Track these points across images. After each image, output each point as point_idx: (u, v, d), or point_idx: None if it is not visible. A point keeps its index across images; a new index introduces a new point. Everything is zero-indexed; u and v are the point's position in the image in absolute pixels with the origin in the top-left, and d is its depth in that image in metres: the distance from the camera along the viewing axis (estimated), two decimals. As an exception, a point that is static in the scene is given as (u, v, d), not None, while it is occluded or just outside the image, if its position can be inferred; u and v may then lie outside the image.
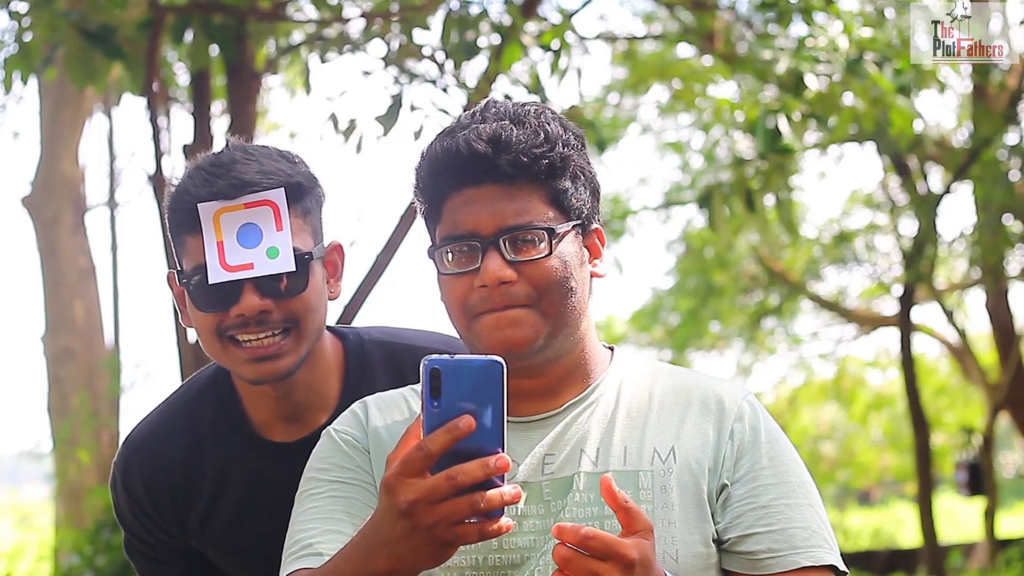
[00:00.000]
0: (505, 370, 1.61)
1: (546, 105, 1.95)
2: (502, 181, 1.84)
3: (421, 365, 1.61)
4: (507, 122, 1.85)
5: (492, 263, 1.83)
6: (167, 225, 2.26)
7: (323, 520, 1.88)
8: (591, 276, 1.92)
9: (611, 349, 2.01)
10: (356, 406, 2.01)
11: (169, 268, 2.30)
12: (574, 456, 1.88)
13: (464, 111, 1.95)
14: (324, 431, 2.00)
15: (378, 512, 1.65)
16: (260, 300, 2.15)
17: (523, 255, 1.83)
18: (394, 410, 1.98)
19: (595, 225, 1.94)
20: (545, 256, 1.83)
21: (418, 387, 2.00)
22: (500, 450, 1.60)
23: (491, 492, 1.58)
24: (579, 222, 1.89)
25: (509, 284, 1.83)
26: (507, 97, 5.39)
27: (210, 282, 2.15)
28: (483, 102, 1.93)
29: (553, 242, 1.84)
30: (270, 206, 2.16)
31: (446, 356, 1.61)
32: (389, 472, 1.61)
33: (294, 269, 2.16)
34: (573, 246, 1.88)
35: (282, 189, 2.16)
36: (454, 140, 1.86)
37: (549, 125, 1.87)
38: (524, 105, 1.90)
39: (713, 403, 1.92)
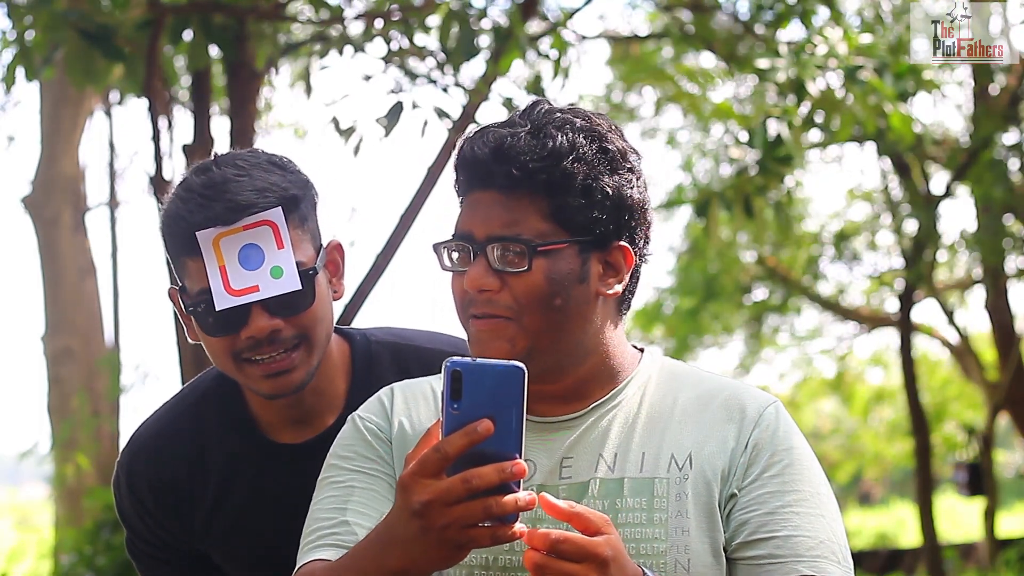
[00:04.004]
0: (526, 376, 1.60)
1: (588, 114, 1.86)
2: (502, 189, 1.82)
3: (443, 367, 1.61)
4: (521, 130, 1.82)
5: (475, 269, 1.82)
6: (164, 245, 2.23)
7: (341, 510, 1.88)
8: (598, 294, 1.86)
9: (642, 350, 1.98)
10: (383, 393, 2.00)
11: (171, 284, 2.28)
12: (592, 461, 1.86)
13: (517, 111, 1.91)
14: (349, 417, 1.99)
15: (393, 510, 1.66)
16: (269, 320, 2.14)
17: (509, 266, 1.81)
18: (420, 400, 1.97)
19: (619, 242, 1.86)
20: (525, 271, 1.80)
21: None
22: (517, 456, 1.60)
23: (506, 497, 1.58)
24: (585, 239, 1.83)
25: (491, 292, 1.81)
26: (507, 100, 5.40)
27: (217, 309, 2.12)
28: (531, 102, 1.89)
29: (533, 259, 1.80)
30: (269, 226, 2.13)
31: (468, 359, 1.61)
32: (405, 472, 1.62)
33: (300, 288, 2.14)
34: (568, 263, 1.82)
35: (279, 208, 2.13)
36: (470, 142, 1.85)
37: (564, 136, 1.81)
38: (556, 112, 1.85)
39: (736, 410, 1.89)
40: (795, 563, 1.80)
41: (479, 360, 1.61)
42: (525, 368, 1.61)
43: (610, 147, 1.85)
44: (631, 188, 1.86)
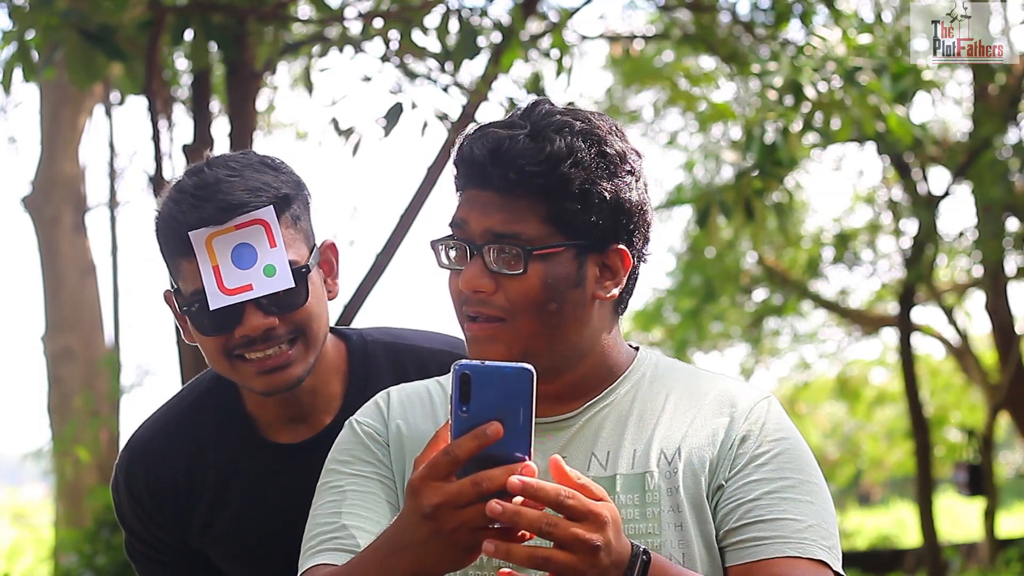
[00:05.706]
0: (535, 378, 1.60)
1: (589, 116, 1.85)
2: (499, 190, 1.81)
3: (452, 369, 1.61)
4: (520, 132, 1.81)
5: (471, 269, 1.82)
6: (159, 248, 2.24)
7: (342, 514, 1.88)
8: (595, 297, 1.86)
9: (637, 348, 1.98)
10: (379, 397, 2.01)
11: (168, 287, 2.28)
12: (585, 460, 1.87)
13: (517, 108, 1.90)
14: (347, 421, 1.99)
15: (403, 514, 1.66)
16: (264, 318, 2.14)
17: (505, 268, 1.81)
18: (416, 403, 1.98)
19: (617, 245, 1.86)
20: (520, 274, 1.80)
21: (443, 379, 2.01)
22: (527, 457, 1.60)
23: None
24: (582, 243, 1.82)
25: (485, 294, 1.81)
26: (510, 99, 5.40)
27: (211, 308, 2.13)
28: (532, 102, 1.88)
29: (529, 262, 1.80)
30: (261, 225, 2.14)
31: (477, 362, 1.61)
32: (415, 475, 1.62)
33: (293, 285, 2.15)
34: (565, 267, 1.82)
35: (271, 207, 2.15)
36: (469, 140, 1.85)
37: (562, 140, 1.80)
38: (556, 115, 1.83)
39: (727, 404, 1.90)
40: (781, 544, 1.80)
41: (488, 363, 1.61)
42: (534, 370, 1.61)
43: (609, 150, 1.83)
44: (630, 191, 1.85)
